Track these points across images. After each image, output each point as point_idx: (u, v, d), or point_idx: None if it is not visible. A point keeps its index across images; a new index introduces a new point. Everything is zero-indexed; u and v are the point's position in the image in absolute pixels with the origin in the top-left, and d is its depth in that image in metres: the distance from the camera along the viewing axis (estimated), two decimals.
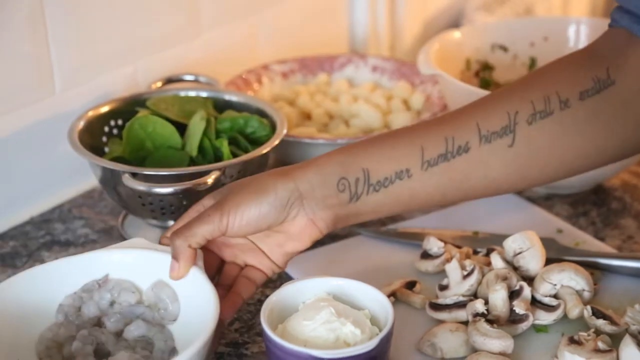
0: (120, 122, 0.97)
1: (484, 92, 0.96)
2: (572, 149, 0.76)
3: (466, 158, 0.74)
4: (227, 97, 1.01)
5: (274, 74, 1.16)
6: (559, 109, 0.74)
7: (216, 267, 0.77)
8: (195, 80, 1.05)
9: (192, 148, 0.90)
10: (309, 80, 1.18)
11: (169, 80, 1.04)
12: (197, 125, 0.91)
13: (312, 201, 0.73)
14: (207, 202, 0.75)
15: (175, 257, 0.72)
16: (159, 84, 1.03)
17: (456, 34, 1.09)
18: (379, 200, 0.74)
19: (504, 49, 1.11)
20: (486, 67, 1.10)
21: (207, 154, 0.91)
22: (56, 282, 0.74)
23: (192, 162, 0.91)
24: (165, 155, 0.90)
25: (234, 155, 0.90)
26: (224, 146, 0.90)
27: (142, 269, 0.75)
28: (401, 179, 0.74)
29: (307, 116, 1.11)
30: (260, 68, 1.15)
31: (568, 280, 0.80)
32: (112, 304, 0.75)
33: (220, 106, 0.99)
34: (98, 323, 0.75)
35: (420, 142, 0.74)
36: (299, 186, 0.72)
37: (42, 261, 0.91)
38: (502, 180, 0.76)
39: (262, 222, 0.72)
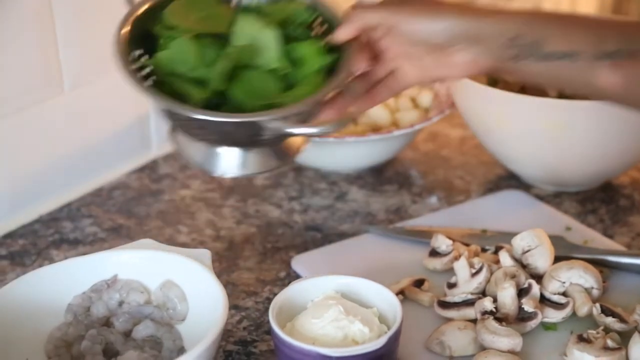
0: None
1: (493, 90, 0.96)
2: None
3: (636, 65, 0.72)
4: None
5: None
6: None
7: (366, 63, 0.80)
8: None
9: (273, 60, 0.78)
10: None
11: None
12: (269, 36, 0.78)
13: (478, 45, 0.76)
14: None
15: (346, 21, 0.78)
16: None
17: None
18: (539, 70, 0.75)
19: None
20: None
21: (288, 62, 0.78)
22: (65, 282, 0.75)
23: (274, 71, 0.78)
24: (251, 80, 0.77)
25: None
26: (315, 49, 0.79)
27: (150, 269, 0.75)
28: (570, 60, 0.74)
29: None
30: None
31: (577, 278, 0.79)
32: (120, 304, 0.75)
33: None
34: (107, 323, 0.75)
35: (597, 32, 0.74)
36: (474, 27, 0.76)
37: (51, 259, 0.92)
38: None
39: (429, 36, 0.76)
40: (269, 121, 0.73)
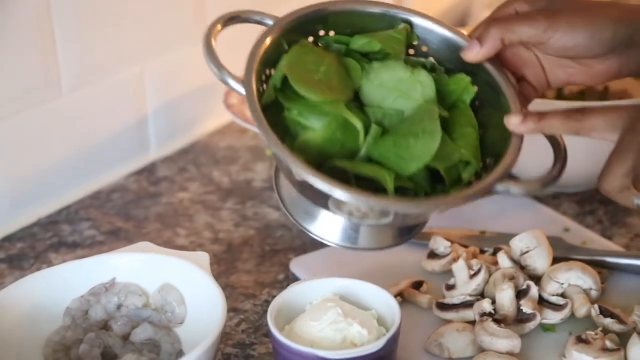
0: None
1: None
2: None
3: None
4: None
5: None
6: None
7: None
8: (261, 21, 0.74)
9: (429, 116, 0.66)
10: None
11: (230, 19, 0.75)
12: (420, 83, 0.68)
13: (634, 48, 0.68)
14: (519, 6, 0.69)
15: (480, 40, 0.68)
16: (219, 27, 0.75)
17: None
18: None
19: None
20: None
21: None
22: (63, 286, 0.75)
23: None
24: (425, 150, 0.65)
25: None
26: (466, 82, 0.69)
27: (149, 273, 0.75)
28: None
29: None
30: None
31: (575, 279, 0.79)
32: (119, 307, 0.75)
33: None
34: (105, 326, 0.75)
35: None
36: (632, 29, 0.67)
37: (50, 263, 0.92)
38: None
39: (583, 52, 0.68)
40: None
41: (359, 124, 0.65)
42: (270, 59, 0.68)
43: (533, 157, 0.98)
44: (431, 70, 0.71)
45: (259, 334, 0.81)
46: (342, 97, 0.66)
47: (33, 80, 0.96)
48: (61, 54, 0.98)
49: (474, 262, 0.82)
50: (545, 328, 0.78)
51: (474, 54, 0.69)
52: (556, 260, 0.82)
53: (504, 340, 0.73)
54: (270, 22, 0.71)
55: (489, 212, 0.96)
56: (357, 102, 0.68)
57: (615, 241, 0.92)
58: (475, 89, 0.70)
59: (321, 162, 0.64)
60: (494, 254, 0.85)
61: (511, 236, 0.83)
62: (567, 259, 0.83)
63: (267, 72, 0.69)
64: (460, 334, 0.75)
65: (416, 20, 0.72)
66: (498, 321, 0.76)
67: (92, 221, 0.99)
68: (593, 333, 0.74)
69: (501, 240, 0.88)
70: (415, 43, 0.72)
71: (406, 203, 0.63)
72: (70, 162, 1.01)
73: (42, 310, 0.73)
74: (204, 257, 0.76)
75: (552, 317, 0.78)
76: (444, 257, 0.86)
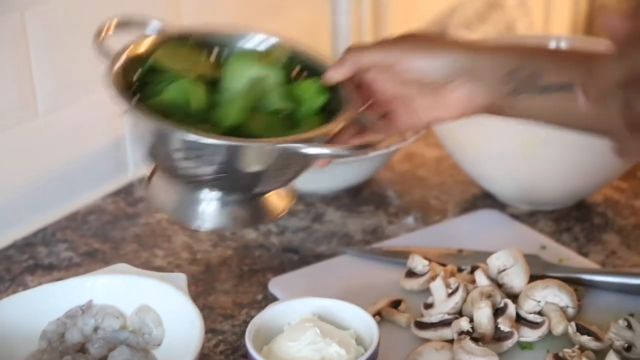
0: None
1: None
2: None
3: None
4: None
5: None
6: None
7: (365, 105, 0.78)
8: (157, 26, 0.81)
9: (277, 99, 0.76)
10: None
11: (124, 23, 0.80)
12: (272, 75, 0.77)
13: (476, 80, 0.75)
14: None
15: (340, 62, 0.76)
16: (112, 28, 0.80)
17: None
18: (536, 103, 0.74)
19: None
20: None
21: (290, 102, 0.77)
22: (39, 308, 0.74)
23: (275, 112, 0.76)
24: (262, 117, 0.75)
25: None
26: (315, 86, 0.77)
27: (126, 294, 0.75)
28: (564, 91, 0.73)
29: None
30: None
31: (552, 296, 0.80)
32: (96, 329, 0.75)
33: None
34: (82, 349, 0.74)
35: (590, 65, 0.68)
36: (471, 61, 0.74)
37: (25, 285, 0.91)
38: None
39: (426, 74, 0.75)
40: (294, 145, 0.70)
41: (200, 91, 0.74)
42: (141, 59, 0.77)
43: (508, 174, 0.99)
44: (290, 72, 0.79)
45: (237, 355, 0.80)
46: (194, 72, 0.76)
47: (8, 102, 0.96)
48: (37, 75, 0.98)
49: (452, 280, 0.82)
50: (523, 346, 0.78)
51: (332, 72, 0.76)
52: (533, 278, 0.83)
53: (481, 359, 0.73)
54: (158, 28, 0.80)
55: (466, 230, 0.97)
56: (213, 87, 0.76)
57: (591, 258, 0.93)
58: (326, 96, 0.77)
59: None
60: (472, 272, 0.85)
61: (488, 254, 0.84)
62: (543, 277, 0.84)
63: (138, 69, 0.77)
64: (439, 353, 0.76)
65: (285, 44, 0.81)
66: (476, 339, 0.76)
67: (69, 242, 0.98)
68: (570, 350, 0.75)
69: (478, 259, 0.88)
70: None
71: (238, 140, 0.70)
72: (46, 183, 1.01)
73: (18, 333, 0.73)
74: (182, 277, 0.76)
75: (530, 335, 0.78)
76: (421, 275, 0.86)
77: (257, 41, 0.82)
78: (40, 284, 0.89)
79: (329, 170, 1.01)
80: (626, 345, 0.76)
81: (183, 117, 0.73)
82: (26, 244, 0.98)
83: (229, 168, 0.72)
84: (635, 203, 1.04)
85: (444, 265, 0.88)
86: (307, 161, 0.75)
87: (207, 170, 0.72)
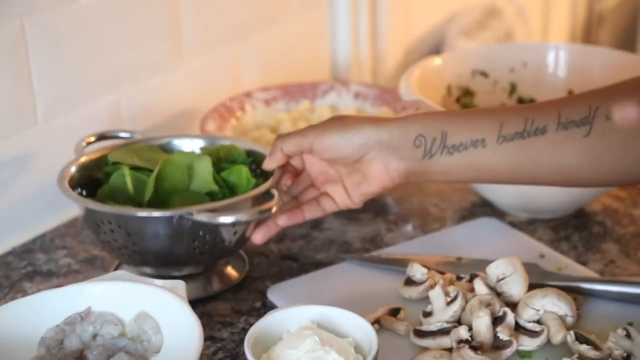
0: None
1: None
2: None
3: (542, 139, 0.77)
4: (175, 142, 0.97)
5: (256, 101, 1.16)
6: None
7: (294, 180, 0.88)
8: (130, 137, 0.97)
9: (207, 183, 0.88)
10: (292, 107, 1.18)
11: (102, 137, 0.96)
12: (202, 161, 0.88)
13: (388, 149, 0.80)
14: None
15: (271, 152, 0.85)
16: (92, 139, 0.95)
17: (437, 61, 1.10)
18: (451, 163, 0.80)
19: (484, 74, 1.12)
20: (467, 92, 1.11)
21: (221, 187, 0.89)
22: (38, 315, 0.74)
23: (211, 197, 0.88)
24: (186, 197, 0.87)
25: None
26: (244, 172, 0.89)
27: (125, 301, 0.75)
28: (475, 147, 0.79)
29: None
30: (243, 96, 1.16)
31: (551, 305, 0.80)
32: (94, 336, 0.75)
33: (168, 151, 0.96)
34: (80, 356, 0.74)
35: (500, 118, 0.79)
36: (379, 133, 0.80)
37: (24, 292, 0.91)
38: (574, 169, 0.78)
39: (340, 151, 0.82)
40: (197, 213, 0.81)
41: (134, 176, 0.88)
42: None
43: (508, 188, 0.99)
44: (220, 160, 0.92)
45: None
46: (140, 163, 0.89)
47: (8, 109, 0.96)
48: (36, 82, 0.98)
49: (451, 288, 0.82)
50: (522, 354, 0.78)
51: (267, 164, 0.86)
52: (532, 287, 0.83)
53: None
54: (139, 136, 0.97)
55: (465, 239, 0.97)
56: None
57: (589, 267, 0.93)
58: (255, 180, 0.89)
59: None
60: (470, 280, 0.85)
61: (487, 262, 0.84)
62: (542, 285, 0.84)
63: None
64: None
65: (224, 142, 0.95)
66: (475, 348, 0.76)
67: (68, 249, 0.98)
68: (569, 359, 0.75)
69: (477, 267, 0.88)
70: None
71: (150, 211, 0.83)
72: (45, 190, 1.01)
73: (17, 340, 0.73)
74: (180, 285, 0.76)
75: (529, 344, 0.78)
76: (420, 283, 0.86)
77: (198, 143, 0.95)
78: (39, 290, 0.89)
79: None
80: (625, 354, 0.76)
81: (127, 199, 0.87)
82: (25, 251, 0.98)
83: (138, 238, 0.83)
84: (634, 212, 1.04)
85: (442, 273, 0.88)
86: (219, 232, 0.84)
87: (122, 241, 0.83)
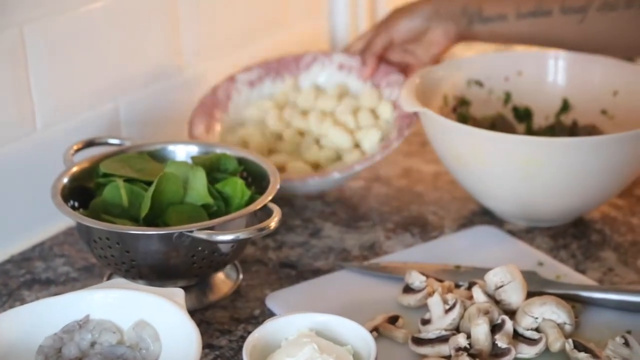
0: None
1: (465, 128, 0.97)
2: (630, 42, 1.09)
3: (548, 21, 1.07)
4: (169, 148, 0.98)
5: (241, 84, 1.15)
6: (623, 7, 1.05)
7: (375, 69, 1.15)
8: (119, 144, 0.97)
9: (202, 196, 0.88)
10: (277, 86, 1.16)
11: (90, 143, 0.97)
12: (197, 174, 0.89)
13: (444, 19, 1.10)
14: (357, 43, 1.18)
15: (365, 63, 1.14)
16: (80, 145, 0.96)
17: (435, 70, 1.10)
18: (485, 30, 1.10)
19: (480, 84, 1.12)
20: (463, 102, 1.11)
21: (216, 198, 0.89)
22: (36, 323, 0.74)
23: (207, 208, 0.88)
24: (182, 210, 0.87)
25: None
26: (239, 184, 0.89)
27: (123, 309, 0.75)
28: (501, 21, 1.09)
29: (278, 136, 1.12)
30: (227, 82, 1.14)
31: (549, 313, 0.80)
32: (93, 344, 0.74)
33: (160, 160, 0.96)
34: None
35: (518, 1, 1.08)
36: (437, 8, 1.11)
37: (23, 300, 0.91)
38: (572, 45, 1.10)
39: (413, 29, 1.12)
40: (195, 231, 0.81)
41: (124, 192, 0.88)
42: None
43: (508, 191, 0.99)
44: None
45: None
46: (132, 175, 0.90)
47: (7, 117, 0.96)
48: (35, 90, 0.98)
49: (449, 296, 0.82)
50: None
51: (364, 72, 1.14)
52: (530, 294, 0.83)
53: None
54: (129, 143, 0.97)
55: (464, 247, 0.97)
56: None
57: (588, 275, 0.93)
58: (250, 192, 0.90)
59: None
60: (469, 288, 0.85)
61: (485, 270, 0.84)
62: (541, 293, 0.84)
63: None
64: None
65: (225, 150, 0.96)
66: (473, 355, 0.76)
67: (66, 257, 0.98)
68: None
69: (476, 275, 0.88)
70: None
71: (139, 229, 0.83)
72: (43, 198, 1.01)
73: (15, 348, 0.73)
74: (179, 292, 0.76)
75: (527, 352, 0.78)
76: (419, 291, 0.86)
77: (190, 150, 0.96)
78: (37, 298, 0.89)
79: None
80: None
81: (121, 212, 0.87)
82: (23, 259, 0.98)
83: (136, 254, 0.83)
84: (632, 220, 1.04)
85: (441, 281, 0.88)
86: (217, 247, 0.84)
87: (118, 257, 0.83)
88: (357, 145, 1.09)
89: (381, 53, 1.12)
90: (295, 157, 1.08)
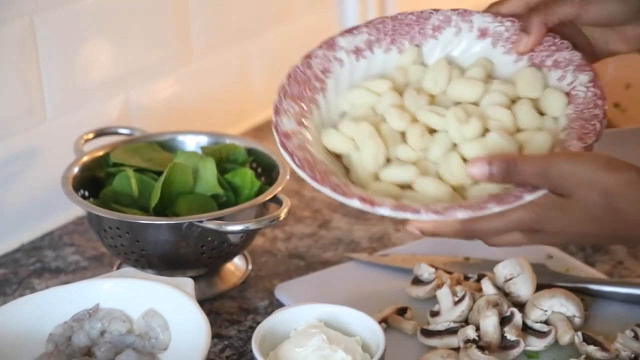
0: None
1: None
2: None
3: None
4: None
5: (343, 54, 0.77)
6: None
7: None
8: (129, 134, 0.97)
9: (212, 186, 0.88)
10: (392, 56, 0.78)
11: (101, 133, 0.97)
12: (207, 164, 0.89)
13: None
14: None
15: (526, 30, 0.75)
16: (91, 135, 0.96)
17: None
18: None
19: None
20: None
21: (226, 189, 0.89)
22: (46, 312, 0.74)
23: (216, 199, 0.89)
24: (192, 200, 0.87)
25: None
26: (249, 175, 0.89)
27: (133, 298, 0.75)
28: None
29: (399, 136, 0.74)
30: (324, 48, 0.77)
31: (559, 306, 0.80)
32: (102, 333, 0.75)
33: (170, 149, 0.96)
34: (88, 353, 0.75)
35: None
36: None
37: (33, 289, 0.91)
38: None
39: (616, 17, 0.76)
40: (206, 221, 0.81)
41: (138, 179, 0.88)
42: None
43: None
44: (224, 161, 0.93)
45: None
46: (142, 165, 0.90)
47: (17, 106, 0.96)
48: (45, 80, 0.98)
49: (458, 288, 0.82)
50: (529, 355, 0.78)
51: (523, 44, 0.76)
52: (539, 287, 0.82)
53: None
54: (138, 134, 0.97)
55: None
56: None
57: (597, 268, 0.93)
58: (260, 183, 0.90)
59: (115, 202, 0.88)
60: (478, 280, 0.85)
61: (495, 263, 0.84)
62: (550, 286, 0.83)
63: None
64: None
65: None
66: (482, 348, 0.76)
67: (76, 246, 0.99)
68: None
69: (485, 267, 0.88)
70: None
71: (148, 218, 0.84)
72: (53, 187, 1.01)
73: (25, 337, 0.73)
74: (189, 282, 0.76)
75: (536, 344, 0.78)
76: (428, 283, 0.86)
77: (199, 140, 0.96)
78: (47, 287, 0.89)
79: None
80: (633, 355, 0.76)
81: (131, 202, 0.88)
82: (33, 248, 0.98)
83: (146, 244, 0.83)
84: None
85: (450, 273, 0.88)
86: (227, 237, 0.84)
87: (128, 246, 0.83)
88: (521, 150, 0.72)
89: (553, 22, 0.75)
90: (424, 171, 0.71)
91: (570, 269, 0.91)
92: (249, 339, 0.74)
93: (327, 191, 0.66)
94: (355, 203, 0.65)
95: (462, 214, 0.64)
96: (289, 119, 0.71)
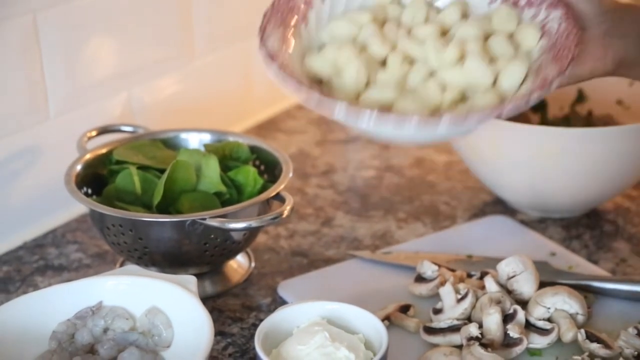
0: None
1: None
2: None
3: None
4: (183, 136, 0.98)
5: None
6: None
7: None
8: (132, 131, 0.98)
9: (215, 184, 0.88)
10: None
11: (104, 131, 0.97)
12: (210, 162, 0.89)
13: (615, 31, 0.73)
14: None
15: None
16: (94, 133, 0.96)
17: None
18: None
19: None
20: None
21: (229, 187, 0.90)
22: (49, 309, 0.74)
23: (219, 196, 0.89)
24: (195, 198, 0.87)
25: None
26: (252, 172, 0.90)
27: (136, 296, 0.75)
28: None
29: (379, 64, 0.74)
30: None
31: (562, 303, 0.80)
32: (105, 330, 0.75)
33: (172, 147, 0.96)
34: (91, 350, 0.75)
35: None
36: (610, 15, 0.74)
37: (36, 286, 0.91)
38: None
39: (596, 73, 0.74)
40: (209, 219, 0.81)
41: (138, 179, 0.88)
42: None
43: (523, 181, 0.99)
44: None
45: (246, 358, 0.80)
46: (145, 162, 0.90)
47: (20, 104, 0.96)
48: (48, 77, 0.98)
49: (461, 286, 0.82)
50: (532, 352, 0.78)
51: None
52: (542, 285, 0.82)
53: None
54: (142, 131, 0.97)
55: (476, 236, 0.97)
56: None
57: (601, 265, 0.93)
58: (263, 181, 0.90)
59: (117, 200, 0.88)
60: (481, 278, 0.85)
61: (498, 260, 0.84)
62: (553, 283, 0.83)
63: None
64: (447, 358, 0.75)
65: None
66: (485, 345, 0.76)
67: (79, 244, 0.99)
68: (579, 358, 0.74)
69: (488, 264, 0.88)
70: None
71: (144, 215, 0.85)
72: (56, 185, 1.01)
73: (28, 334, 0.73)
74: (191, 280, 0.76)
75: (539, 342, 0.78)
76: (431, 280, 0.86)
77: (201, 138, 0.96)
78: (50, 284, 0.89)
79: None
80: (636, 353, 0.76)
81: (134, 199, 0.88)
82: (36, 245, 0.98)
83: (149, 241, 0.83)
84: None
85: (453, 270, 0.88)
86: (230, 235, 0.84)
87: (131, 243, 0.84)
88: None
89: None
90: (404, 95, 0.72)
91: (574, 267, 0.91)
92: (252, 336, 0.74)
93: (315, 97, 0.67)
94: (342, 107, 0.66)
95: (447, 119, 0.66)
96: (273, 44, 0.73)
